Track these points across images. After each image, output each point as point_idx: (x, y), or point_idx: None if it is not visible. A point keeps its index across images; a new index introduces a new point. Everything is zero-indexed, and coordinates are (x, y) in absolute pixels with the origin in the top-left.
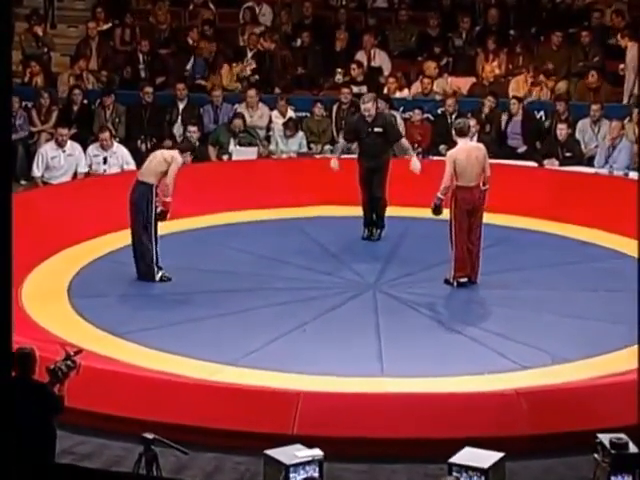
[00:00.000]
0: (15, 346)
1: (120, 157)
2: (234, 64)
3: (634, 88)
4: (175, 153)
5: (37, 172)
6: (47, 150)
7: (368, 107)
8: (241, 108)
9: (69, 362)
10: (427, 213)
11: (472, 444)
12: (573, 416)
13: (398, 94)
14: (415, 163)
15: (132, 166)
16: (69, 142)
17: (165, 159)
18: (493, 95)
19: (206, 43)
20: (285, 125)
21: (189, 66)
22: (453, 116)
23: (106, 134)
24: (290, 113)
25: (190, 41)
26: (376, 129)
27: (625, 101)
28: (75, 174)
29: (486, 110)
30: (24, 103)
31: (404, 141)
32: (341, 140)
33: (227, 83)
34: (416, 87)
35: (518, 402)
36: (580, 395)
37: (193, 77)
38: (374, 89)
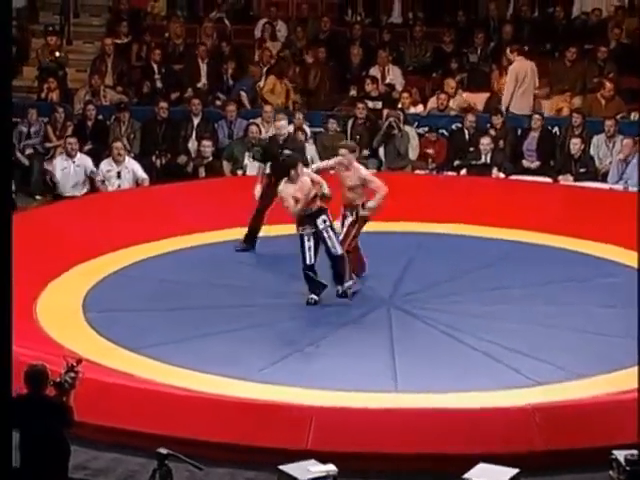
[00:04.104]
0: (28, 361)
1: (131, 171)
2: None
3: (511, 99)
4: (281, 188)
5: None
6: (57, 163)
7: (284, 124)
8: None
9: (72, 373)
10: (441, 228)
11: (487, 460)
12: (588, 432)
13: (412, 109)
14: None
15: (146, 182)
16: (79, 154)
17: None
18: (499, 111)
19: (254, 68)
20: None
21: (201, 84)
22: (471, 132)
23: (119, 144)
24: (306, 129)
25: (201, 59)
26: (286, 151)
27: (503, 108)
28: (91, 183)
29: (497, 126)
30: (40, 118)
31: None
32: (260, 165)
33: (279, 99)
34: (432, 103)
35: (533, 418)
36: (595, 411)
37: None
38: (390, 105)
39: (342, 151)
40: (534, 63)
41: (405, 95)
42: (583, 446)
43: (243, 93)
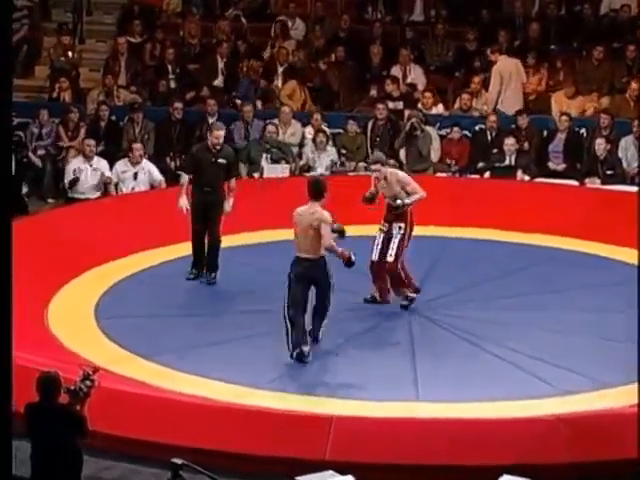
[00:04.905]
0: (40, 369)
1: (147, 173)
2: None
3: (498, 99)
4: (318, 211)
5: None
6: (74, 164)
7: (221, 134)
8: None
9: (88, 382)
10: (464, 233)
11: (511, 472)
12: (615, 443)
13: (434, 110)
14: (228, 205)
15: (162, 184)
16: (95, 157)
17: (311, 225)
18: (524, 112)
19: (255, 62)
20: (314, 138)
21: (218, 83)
22: (493, 133)
23: (139, 145)
24: (325, 130)
25: (219, 58)
26: (220, 160)
27: (489, 110)
28: (105, 188)
29: (523, 127)
30: (52, 119)
31: (234, 181)
32: (184, 176)
33: (296, 105)
34: (458, 104)
35: (558, 428)
36: (623, 422)
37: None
38: (411, 106)
39: (374, 166)
40: (519, 60)
41: (428, 95)
42: (610, 458)
43: (238, 101)
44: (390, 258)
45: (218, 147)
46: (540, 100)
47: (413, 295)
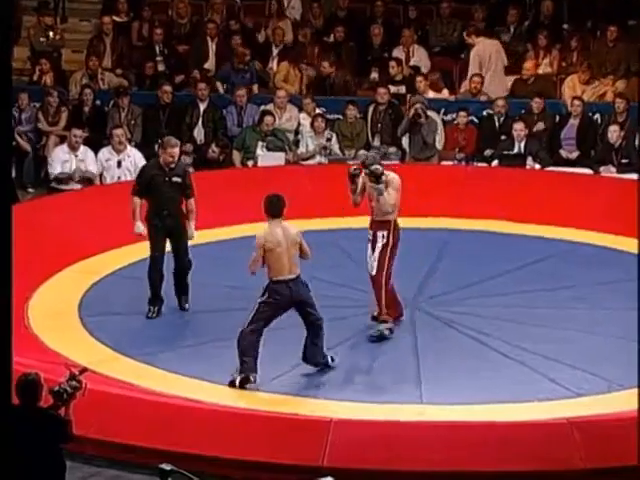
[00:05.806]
0: (21, 370)
1: (134, 161)
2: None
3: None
4: (292, 227)
5: (55, 171)
6: (58, 154)
7: (176, 152)
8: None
9: (74, 382)
10: (471, 225)
11: (520, 478)
12: (631, 449)
13: (432, 94)
14: (192, 230)
15: None
16: (82, 147)
17: (296, 242)
18: (539, 96)
19: (240, 49)
20: (312, 123)
21: (209, 65)
22: (501, 119)
23: (119, 131)
24: (321, 114)
25: (210, 39)
26: (174, 179)
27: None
28: (89, 182)
29: (535, 112)
30: (32, 104)
31: (193, 202)
32: (135, 199)
33: (293, 88)
34: (465, 86)
35: (571, 433)
36: (638, 426)
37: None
38: (414, 90)
39: (375, 167)
40: (499, 42)
41: (419, 79)
42: (625, 464)
43: (218, 83)
44: (373, 271)
45: (172, 165)
46: (543, 82)
47: (391, 325)
